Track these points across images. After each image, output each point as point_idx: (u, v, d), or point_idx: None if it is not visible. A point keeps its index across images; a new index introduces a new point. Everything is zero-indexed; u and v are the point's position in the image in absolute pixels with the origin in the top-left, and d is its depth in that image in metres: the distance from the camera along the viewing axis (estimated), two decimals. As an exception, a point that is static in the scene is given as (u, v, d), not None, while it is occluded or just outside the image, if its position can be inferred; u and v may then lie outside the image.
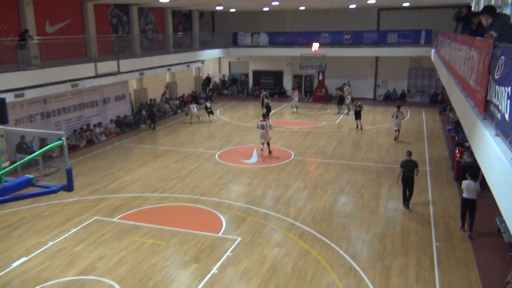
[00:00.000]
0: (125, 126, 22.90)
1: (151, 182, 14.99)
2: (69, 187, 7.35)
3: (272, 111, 25.70)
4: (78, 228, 11.66)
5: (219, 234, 11.18)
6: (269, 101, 24.79)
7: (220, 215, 12.27)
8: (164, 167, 16.68)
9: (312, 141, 20.12)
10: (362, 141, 20.04)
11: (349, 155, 17.84)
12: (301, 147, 19.12)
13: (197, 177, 15.38)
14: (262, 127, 17.55)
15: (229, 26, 33.88)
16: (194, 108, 24.65)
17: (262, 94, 26.10)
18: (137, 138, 21.28)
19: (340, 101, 26.46)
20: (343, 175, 15.49)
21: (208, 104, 25.11)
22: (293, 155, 17.90)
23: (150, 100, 25.84)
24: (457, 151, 15.27)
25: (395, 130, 19.84)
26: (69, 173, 7.28)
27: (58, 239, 11.06)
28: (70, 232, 11.42)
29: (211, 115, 24.80)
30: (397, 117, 19.54)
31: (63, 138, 7.23)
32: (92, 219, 12.16)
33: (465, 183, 11.09)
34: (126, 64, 20.84)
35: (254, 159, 17.57)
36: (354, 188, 14.22)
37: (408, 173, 12.53)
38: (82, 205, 13.21)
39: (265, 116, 18.32)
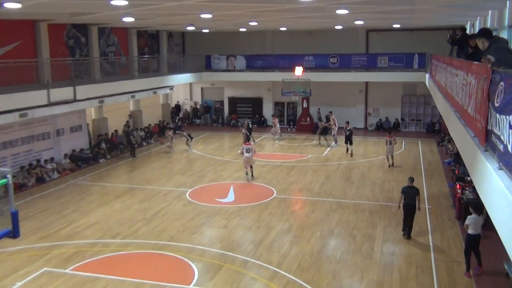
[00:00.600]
0: (81, 161, 22.63)
1: (111, 226, 14.73)
2: (14, 233, 7.17)
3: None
4: (23, 281, 11.27)
5: (191, 285, 10.97)
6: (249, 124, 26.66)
7: (191, 264, 12.08)
8: (126, 208, 16.44)
9: (296, 176, 20.21)
10: (353, 175, 20.25)
11: (339, 192, 17.96)
12: (284, 183, 19.16)
13: (165, 219, 15.20)
14: (248, 151, 19.05)
15: (202, 48, 34.35)
16: (171, 139, 25.52)
17: (247, 122, 27.19)
18: (95, 175, 21.04)
19: (323, 132, 26.82)
20: (332, 214, 15.53)
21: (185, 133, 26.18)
22: (275, 193, 17.91)
23: (128, 126, 26.63)
24: (458, 186, 15.51)
25: (387, 157, 21.26)
26: (14, 216, 7.12)
27: (0, 296, 10.66)
28: (14, 287, 11.01)
29: (189, 141, 25.68)
30: (390, 143, 20.86)
31: (8, 176, 7.11)
32: (41, 271, 11.78)
33: (470, 218, 11.30)
34: (84, 90, 20.81)
35: (230, 197, 17.52)
36: (345, 230, 14.23)
37: (410, 200, 13.30)
38: (29, 254, 12.82)
39: (249, 138, 19.91)
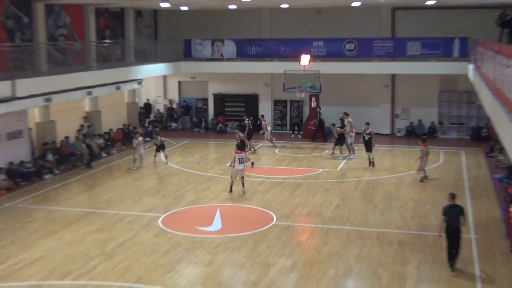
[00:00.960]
0: (21, 177, 22.50)
1: (60, 263, 14.51)
2: None
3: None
4: None
5: None
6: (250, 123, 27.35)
7: (165, 313, 11.91)
8: (80, 239, 16.23)
9: (303, 197, 20.13)
10: (377, 196, 20.18)
11: (359, 218, 17.84)
12: (288, 207, 19.06)
13: (130, 254, 15.01)
14: (241, 160, 19.94)
15: (180, 31, 34.39)
16: (141, 147, 25.08)
17: (247, 121, 27.66)
18: (39, 196, 20.88)
19: (339, 140, 26.70)
20: (350, 247, 15.38)
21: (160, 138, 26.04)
22: (275, 219, 17.76)
23: (83, 133, 26.84)
24: (511, 209, 15.43)
25: (418, 170, 22.00)
26: None
27: None
28: None
29: (162, 153, 25.60)
30: (426, 153, 21.83)
31: None
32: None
33: None
34: (26, 85, 20.63)
35: (216, 225, 17.37)
36: (368, 268, 14.10)
37: (453, 222, 13.54)
38: (-51, 300, 12.57)
39: (242, 147, 20.87)
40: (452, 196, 13.94)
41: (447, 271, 13.74)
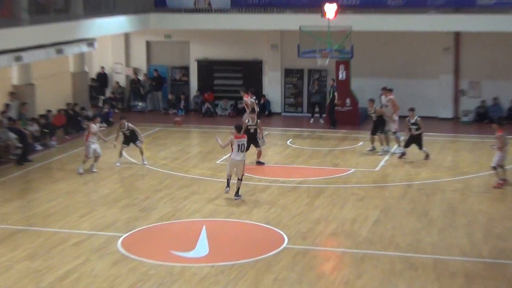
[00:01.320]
0: None
1: (-24, 303, 14.49)
2: None
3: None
4: None
5: None
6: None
7: None
8: (4, 269, 16.18)
9: (327, 210, 20.23)
10: (434, 208, 20.25)
11: (408, 240, 17.84)
12: (304, 223, 19.11)
13: (76, 291, 14.96)
14: (241, 148, 20.37)
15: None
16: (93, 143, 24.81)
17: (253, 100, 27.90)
18: None
19: (378, 125, 26.64)
20: (395, 282, 15.39)
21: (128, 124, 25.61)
22: (286, 240, 17.76)
23: (8, 115, 26.87)
24: None
25: (495, 169, 22.03)
26: None
27: None
28: None
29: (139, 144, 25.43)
30: (505, 142, 21.95)
31: None
32: None
33: None
34: None
35: (202, 249, 17.35)
36: (421, 311, 14.06)
37: None
38: None
39: (240, 128, 21.15)
40: None
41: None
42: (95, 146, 24.54)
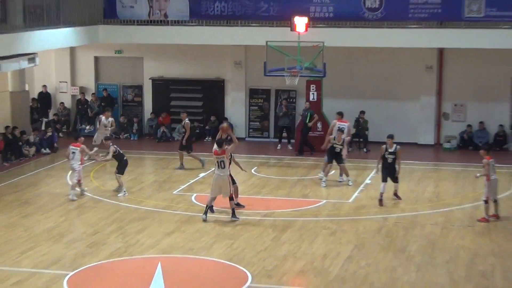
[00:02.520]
0: None
1: None
2: None
3: (205, 173, 26.88)
4: None
5: None
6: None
7: None
8: None
9: (294, 245, 20.24)
10: (412, 243, 20.37)
11: (383, 278, 17.89)
12: (270, 259, 19.09)
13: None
14: (221, 165, 20.77)
15: (98, -25, 34.52)
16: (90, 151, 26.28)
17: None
18: None
19: (333, 153, 26.76)
20: (369, 325, 15.63)
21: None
22: (249, 279, 17.76)
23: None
24: None
25: (485, 201, 21.69)
26: None
27: None
28: None
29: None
30: (492, 169, 21.77)
31: None
32: None
33: None
34: None
35: (157, 289, 17.54)
36: None
37: None
38: None
39: (222, 143, 21.40)
40: None
41: None
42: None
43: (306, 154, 31.11)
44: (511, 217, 22.78)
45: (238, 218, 21.13)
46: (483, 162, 21.99)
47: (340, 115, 27.61)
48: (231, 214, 21.12)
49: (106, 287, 17.54)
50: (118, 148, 25.34)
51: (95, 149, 27.57)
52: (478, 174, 22.29)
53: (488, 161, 21.67)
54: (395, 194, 24.41)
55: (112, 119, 29.23)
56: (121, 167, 25.11)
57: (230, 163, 21.41)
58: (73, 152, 24.52)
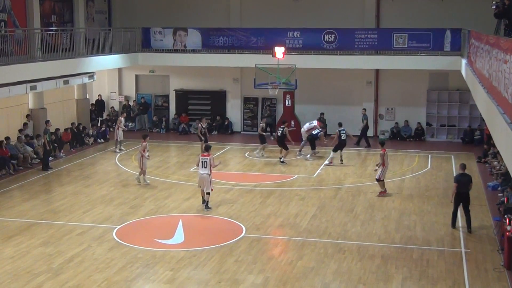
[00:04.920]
0: (-46, 183, 22.24)
1: (0, 280, 14.45)
2: None
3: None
4: None
5: None
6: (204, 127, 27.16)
7: (120, 336, 12.00)
8: (23, 253, 16.16)
9: (276, 207, 20.31)
10: (358, 205, 20.45)
11: (337, 230, 18.06)
12: (258, 217, 19.23)
13: (80, 271, 15.01)
14: (204, 164, 19.60)
15: (137, 18, 34.43)
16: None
17: (199, 125, 27.46)
18: (-25, 205, 20.76)
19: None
20: (327, 262, 15.60)
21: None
22: (244, 231, 17.92)
23: (47, 122, 26.91)
24: (507, 221, 15.76)
25: (377, 179, 21.62)
26: None
27: None
28: None
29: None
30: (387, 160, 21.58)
31: None
32: None
33: None
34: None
35: (179, 237, 17.48)
36: (347, 285, 14.30)
37: (463, 189, 17.23)
38: None
39: (209, 148, 20.42)
40: (463, 166, 17.80)
41: (434, 288, 14.14)
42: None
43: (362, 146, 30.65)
44: (428, 185, 22.90)
45: (210, 208, 19.93)
46: (379, 154, 21.64)
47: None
48: (205, 205, 20.00)
49: (143, 237, 17.63)
50: None
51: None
52: (378, 163, 21.80)
53: (383, 153, 21.36)
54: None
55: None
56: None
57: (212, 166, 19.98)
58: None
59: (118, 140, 28.81)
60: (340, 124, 26.56)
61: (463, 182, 17.21)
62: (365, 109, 31.53)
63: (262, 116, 33.29)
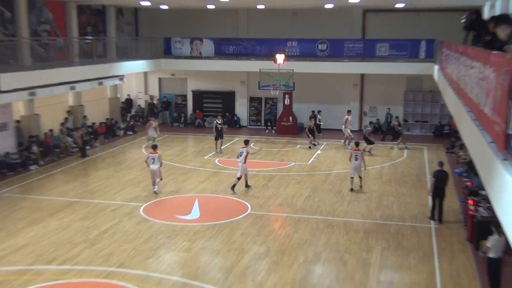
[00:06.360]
0: (7, 168, 22.39)
1: (46, 249, 14.60)
2: None
3: (222, 146, 26.85)
4: None
5: (146, 322, 11.00)
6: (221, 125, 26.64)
7: (146, 295, 12.11)
8: (64, 226, 16.32)
9: (276, 189, 20.37)
10: (345, 188, 20.48)
11: (327, 208, 18.17)
12: (261, 197, 19.31)
13: (113, 241, 15.16)
14: (241, 155, 19.84)
15: (160, 29, 34.33)
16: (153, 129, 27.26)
17: (215, 122, 26.90)
18: (25, 186, 20.80)
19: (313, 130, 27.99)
20: (319, 235, 15.71)
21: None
22: (249, 208, 18.03)
23: (85, 117, 27.97)
24: (470, 202, 15.88)
25: (352, 178, 20.27)
26: None
27: None
28: None
29: None
30: (356, 158, 20.00)
31: None
32: (-44, 305, 11.65)
33: (492, 239, 11.66)
34: (10, 79, 20.45)
35: (195, 214, 17.60)
36: (335, 254, 14.42)
37: (441, 184, 16.72)
38: None
39: (247, 142, 20.99)
40: (441, 163, 17.38)
41: (409, 258, 14.22)
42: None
43: (282, 135, 30.90)
44: (404, 172, 22.95)
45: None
46: (352, 152, 20.42)
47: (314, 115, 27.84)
48: (245, 185, 20.23)
49: (165, 212, 17.71)
50: None
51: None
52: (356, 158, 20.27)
53: (355, 154, 20.07)
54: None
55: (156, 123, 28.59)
56: None
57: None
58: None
59: (150, 137, 27.87)
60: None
61: (441, 178, 16.70)
62: (389, 108, 31.49)
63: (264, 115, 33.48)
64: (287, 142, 29.25)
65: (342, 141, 28.28)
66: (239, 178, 19.84)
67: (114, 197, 19.32)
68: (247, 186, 20.27)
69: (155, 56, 32.48)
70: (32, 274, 13.15)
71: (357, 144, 21.13)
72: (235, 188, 19.72)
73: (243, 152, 19.91)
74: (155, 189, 19.47)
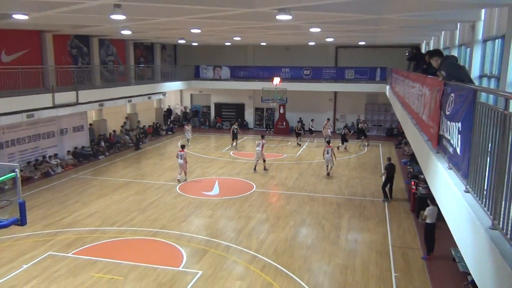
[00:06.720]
0: (82, 157, 22.30)
1: (109, 215, 14.56)
2: (21, 221, 7.02)
3: (235, 144, 26.42)
4: (29, 264, 11.05)
5: (180, 267, 10.91)
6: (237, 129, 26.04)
7: (180, 249, 12.02)
8: (123, 199, 16.27)
9: (273, 173, 20.27)
10: (322, 173, 20.34)
11: (310, 187, 18.06)
12: (263, 179, 19.22)
13: (157, 210, 15.09)
14: (259, 145, 20.11)
15: (191, 59, 34.17)
16: (188, 132, 26.49)
17: (233, 127, 26.28)
18: (95, 170, 20.75)
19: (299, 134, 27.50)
20: (304, 206, 15.61)
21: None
22: (255, 187, 17.94)
23: (138, 121, 27.77)
24: (412, 183, 15.75)
25: (326, 166, 19.89)
26: (21, 206, 6.97)
27: (7, 277, 10.42)
28: (21, 269, 10.80)
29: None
30: (327, 152, 19.53)
31: (16, 170, 6.96)
32: (45, 255, 11.58)
33: (428, 209, 11.54)
34: (86, 94, 20.48)
35: (215, 191, 17.49)
36: (315, 220, 14.32)
37: (390, 173, 16.34)
38: (34, 240, 12.58)
39: (263, 136, 20.93)
40: (389, 158, 16.93)
41: (369, 223, 14.10)
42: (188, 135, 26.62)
43: (277, 134, 30.69)
44: (365, 162, 22.76)
45: (268, 169, 20.13)
46: (325, 148, 19.75)
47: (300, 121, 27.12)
48: (264, 169, 20.20)
49: (194, 190, 17.53)
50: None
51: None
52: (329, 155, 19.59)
53: (328, 149, 19.57)
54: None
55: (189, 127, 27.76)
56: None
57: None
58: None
59: (186, 138, 27.14)
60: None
61: (390, 169, 16.27)
62: (359, 115, 30.87)
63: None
64: (282, 140, 29.14)
65: (322, 139, 27.82)
66: (260, 161, 20.16)
67: (158, 178, 19.26)
68: (255, 169, 20.23)
69: (188, 78, 32.35)
70: (99, 233, 13.11)
71: (328, 142, 20.68)
72: (256, 167, 20.24)
73: (260, 143, 20.02)
74: (178, 177, 18.73)
